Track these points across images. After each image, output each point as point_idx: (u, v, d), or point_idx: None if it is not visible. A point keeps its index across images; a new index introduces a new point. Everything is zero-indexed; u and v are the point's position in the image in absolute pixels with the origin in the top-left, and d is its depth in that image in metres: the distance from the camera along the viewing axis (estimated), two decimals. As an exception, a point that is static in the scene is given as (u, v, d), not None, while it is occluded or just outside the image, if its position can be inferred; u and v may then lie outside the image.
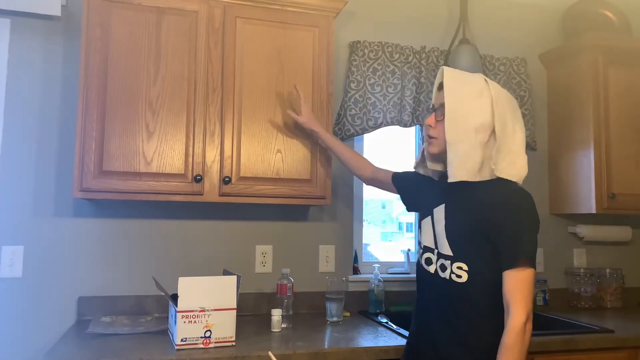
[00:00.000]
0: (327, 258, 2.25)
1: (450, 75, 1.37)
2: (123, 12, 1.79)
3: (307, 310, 2.16)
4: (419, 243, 1.50)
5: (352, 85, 2.25)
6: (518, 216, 1.30)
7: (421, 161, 1.51)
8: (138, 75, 1.79)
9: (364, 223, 2.37)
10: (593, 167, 2.30)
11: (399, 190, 1.71)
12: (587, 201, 2.32)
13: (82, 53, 1.75)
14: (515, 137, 1.34)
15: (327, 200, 1.96)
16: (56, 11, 1.94)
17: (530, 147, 2.53)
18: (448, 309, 1.37)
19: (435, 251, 1.41)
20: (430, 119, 1.38)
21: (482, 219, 1.31)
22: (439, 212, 1.40)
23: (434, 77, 2.36)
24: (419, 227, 1.50)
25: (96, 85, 1.75)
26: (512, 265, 1.26)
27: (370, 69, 2.28)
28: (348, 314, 2.11)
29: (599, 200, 2.28)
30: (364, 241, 2.38)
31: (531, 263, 1.27)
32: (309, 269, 2.22)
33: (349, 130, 2.24)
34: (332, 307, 1.98)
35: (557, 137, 2.53)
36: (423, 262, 1.45)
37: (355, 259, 2.33)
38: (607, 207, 2.29)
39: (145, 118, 1.78)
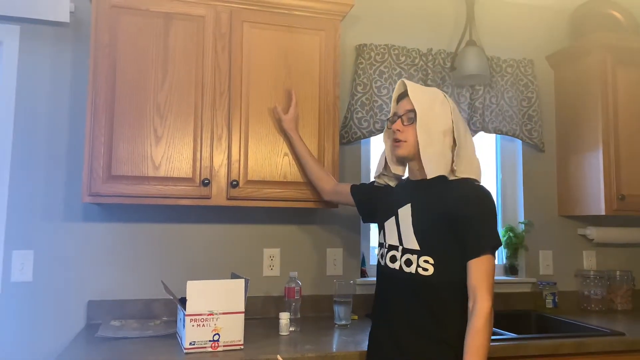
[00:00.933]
0: (334, 261, 2.24)
1: (413, 86, 1.48)
2: (131, 18, 1.81)
3: (315, 314, 2.16)
4: (381, 245, 1.55)
5: (359, 88, 2.26)
6: (481, 210, 1.39)
7: (384, 169, 1.59)
8: (146, 80, 1.80)
9: (372, 226, 2.36)
10: (602, 168, 2.28)
11: (357, 202, 1.76)
12: (597, 203, 2.30)
13: (91, 59, 1.77)
14: (468, 142, 1.47)
15: (334, 203, 1.96)
16: (65, 18, 1.96)
17: (538, 149, 2.52)
18: (413, 304, 1.41)
19: (400, 247, 1.46)
20: (397, 124, 1.47)
21: (447, 213, 1.39)
22: (405, 210, 1.47)
23: (441, 79, 2.36)
24: (382, 229, 1.55)
25: (104, 91, 1.76)
26: (477, 254, 1.35)
27: (377, 72, 2.28)
28: (356, 317, 2.11)
29: (608, 201, 2.26)
30: (372, 244, 2.38)
31: (493, 252, 1.37)
32: (317, 272, 2.22)
33: (355, 133, 2.24)
34: (340, 311, 1.98)
35: (566, 139, 2.52)
36: (387, 260, 1.49)
37: (363, 262, 2.33)
38: (617, 208, 2.27)
39: (154, 123, 1.80)
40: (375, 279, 2.21)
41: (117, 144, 1.76)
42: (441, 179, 1.42)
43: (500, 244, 1.40)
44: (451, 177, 1.42)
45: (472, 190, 1.41)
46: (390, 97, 2.27)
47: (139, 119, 1.78)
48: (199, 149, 1.83)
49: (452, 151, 1.43)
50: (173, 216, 2.09)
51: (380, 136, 2.32)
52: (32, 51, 2.00)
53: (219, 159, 1.85)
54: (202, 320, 1.56)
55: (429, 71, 2.34)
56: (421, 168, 1.46)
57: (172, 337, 1.73)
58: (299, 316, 1.94)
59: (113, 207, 2.03)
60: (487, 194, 1.42)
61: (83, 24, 2.05)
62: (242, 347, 1.60)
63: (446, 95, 1.50)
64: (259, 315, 2.10)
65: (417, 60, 2.34)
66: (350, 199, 1.77)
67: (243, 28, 1.90)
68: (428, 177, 1.41)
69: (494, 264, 1.37)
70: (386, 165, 1.58)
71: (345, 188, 1.80)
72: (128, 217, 2.05)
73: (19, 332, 1.90)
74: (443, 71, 2.37)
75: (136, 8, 1.81)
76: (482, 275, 1.34)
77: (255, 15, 1.92)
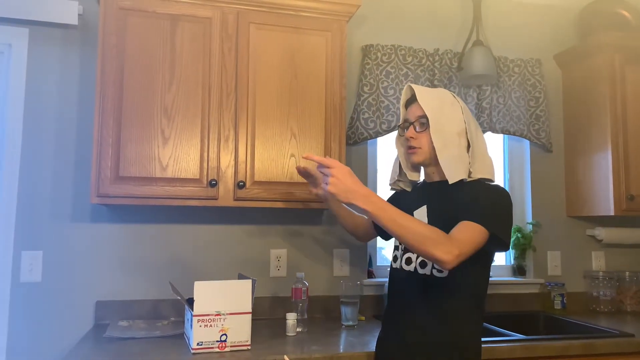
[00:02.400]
0: (341, 262, 2.24)
1: (420, 90, 1.46)
2: (138, 20, 1.82)
3: (322, 315, 2.16)
4: (396, 247, 1.54)
5: (365, 89, 2.25)
6: (489, 198, 1.35)
7: (398, 175, 1.58)
8: (153, 82, 1.81)
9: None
10: (611, 169, 2.26)
11: (378, 231, 1.74)
12: (605, 203, 2.28)
13: (99, 61, 1.78)
14: (480, 140, 1.46)
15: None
16: (73, 20, 1.98)
17: (546, 149, 2.51)
18: (426, 305, 1.40)
19: None
20: (410, 132, 1.46)
21: (461, 215, 1.35)
22: (421, 212, 1.46)
23: (448, 79, 2.35)
24: None
25: (112, 92, 1.78)
26: (467, 218, 1.29)
27: (383, 72, 2.27)
28: (363, 318, 2.10)
29: (617, 202, 2.24)
30: (379, 245, 2.37)
31: (487, 228, 1.28)
32: (324, 272, 2.22)
33: (362, 133, 2.23)
34: (347, 311, 1.98)
35: (574, 139, 2.50)
36: (403, 262, 1.48)
37: (370, 263, 2.32)
38: (626, 208, 2.25)
39: (161, 124, 1.80)
40: (382, 279, 2.23)
41: (125, 145, 1.77)
42: (458, 181, 1.40)
43: (500, 230, 1.31)
44: (467, 179, 1.41)
45: (486, 188, 1.39)
46: (397, 97, 2.26)
47: (147, 120, 1.79)
48: (206, 149, 1.84)
49: (468, 152, 1.42)
50: (180, 217, 2.10)
51: (387, 136, 2.32)
52: (40, 53, 2.01)
53: (226, 160, 1.85)
54: (210, 320, 1.56)
55: (436, 71, 2.34)
56: (438, 172, 1.46)
57: (180, 337, 1.74)
58: (305, 317, 1.94)
59: (120, 208, 2.04)
60: (501, 190, 1.39)
61: (91, 26, 2.06)
62: (249, 347, 1.60)
63: (454, 95, 1.49)
64: (266, 315, 2.10)
65: (424, 61, 2.33)
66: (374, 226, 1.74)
67: (249, 29, 1.91)
68: (450, 183, 1.39)
69: (481, 238, 1.28)
70: (400, 171, 1.57)
71: (368, 221, 1.77)
72: (135, 217, 2.06)
73: (28, 332, 1.92)
74: (450, 71, 2.36)
75: (143, 10, 1.82)
76: (462, 232, 1.26)
77: (262, 16, 1.92)
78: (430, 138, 1.42)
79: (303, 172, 1.76)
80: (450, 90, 1.61)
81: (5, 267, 1.92)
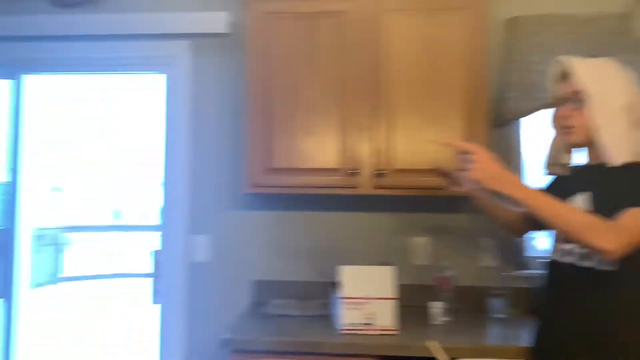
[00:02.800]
0: (488, 251, 2.14)
1: (576, 62, 1.33)
2: (281, 22, 1.95)
3: (468, 305, 2.08)
4: (554, 237, 1.40)
5: (511, 66, 2.09)
6: None
7: (556, 158, 1.43)
8: (296, 79, 1.93)
9: (528, 214, 2.19)
10: None
11: (533, 223, 1.57)
12: None
13: (248, 63, 1.96)
14: None
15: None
16: (225, 29, 2.21)
17: None
18: (592, 302, 1.25)
19: None
20: (565, 110, 1.32)
21: (632, 201, 1.19)
22: (583, 199, 1.30)
23: (610, 47, 2.06)
24: None
25: (261, 92, 1.94)
26: (634, 205, 1.16)
27: (531, 46, 2.08)
28: (515, 311, 1.98)
29: None
30: (529, 233, 2.20)
31: None
32: (469, 262, 2.14)
33: (507, 114, 2.09)
34: (496, 303, 1.89)
35: None
36: (562, 253, 1.34)
37: (520, 253, 2.17)
38: None
39: (304, 119, 1.92)
40: (535, 271, 2.07)
41: (274, 140, 1.92)
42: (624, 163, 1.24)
43: None
44: (635, 161, 1.24)
45: None
46: (547, 72, 2.06)
47: (292, 116, 1.92)
48: (346, 140, 1.90)
49: (637, 129, 1.25)
50: (323, 205, 2.21)
51: (533, 116, 2.12)
52: (200, 61, 2.28)
53: (365, 149, 1.90)
54: (356, 303, 1.63)
55: (595, 39, 2.06)
56: (599, 153, 1.30)
57: (329, 318, 1.84)
58: (451, 306, 1.90)
59: (269, 197, 2.23)
60: None
61: (241, 32, 2.27)
62: (395, 332, 1.63)
63: (619, 64, 1.31)
64: (410, 303, 2.10)
65: (579, 28, 2.08)
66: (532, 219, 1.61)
67: (385, 16, 1.91)
68: (612, 165, 1.25)
69: None
70: (557, 154, 1.44)
71: (520, 213, 1.65)
72: (283, 205, 2.23)
73: (200, 305, 2.22)
74: (613, 37, 2.06)
75: (286, 12, 1.95)
76: (629, 219, 1.15)
77: (397, 2, 1.91)
78: (589, 115, 1.27)
79: (440, 171, 1.72)
80: (614, 59, 1.43)
81: (184, 248, 2.25)
